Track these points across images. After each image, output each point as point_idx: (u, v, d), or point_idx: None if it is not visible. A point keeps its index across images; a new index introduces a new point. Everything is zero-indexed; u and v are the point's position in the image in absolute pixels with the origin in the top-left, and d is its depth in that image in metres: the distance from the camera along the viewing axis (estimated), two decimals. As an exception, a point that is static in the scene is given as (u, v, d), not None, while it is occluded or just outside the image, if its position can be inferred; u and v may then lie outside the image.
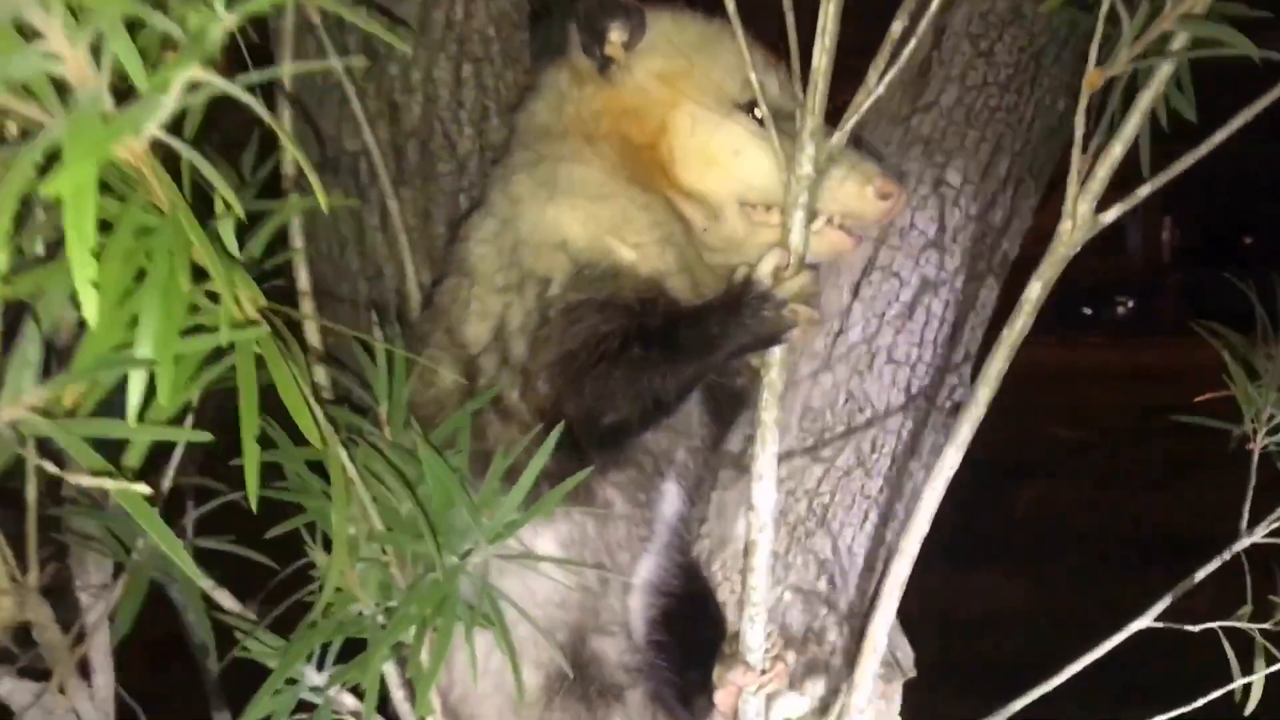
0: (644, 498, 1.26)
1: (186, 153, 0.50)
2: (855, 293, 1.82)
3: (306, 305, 1.13)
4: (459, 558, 0.89)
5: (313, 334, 1.12)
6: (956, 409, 1.90)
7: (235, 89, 0.49)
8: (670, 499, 1.31)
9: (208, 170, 0.50)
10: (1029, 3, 1.88)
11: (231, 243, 0.63)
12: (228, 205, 0.69)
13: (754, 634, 1.01)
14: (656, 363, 1.12)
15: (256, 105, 0.51)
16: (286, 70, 1.08)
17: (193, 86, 0.48)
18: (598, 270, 1.18)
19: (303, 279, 1.12)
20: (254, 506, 0.59)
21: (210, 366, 0.62)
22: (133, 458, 0.60)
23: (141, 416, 0.54)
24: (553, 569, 1.12)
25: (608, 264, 1.18)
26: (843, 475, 1.83)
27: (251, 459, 0.58)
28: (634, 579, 1.29)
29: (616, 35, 1.23)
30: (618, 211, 1.21)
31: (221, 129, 1.13)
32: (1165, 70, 0.95)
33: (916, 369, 1.85)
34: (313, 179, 0.52)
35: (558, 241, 1.19)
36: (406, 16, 1.46)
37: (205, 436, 0.62)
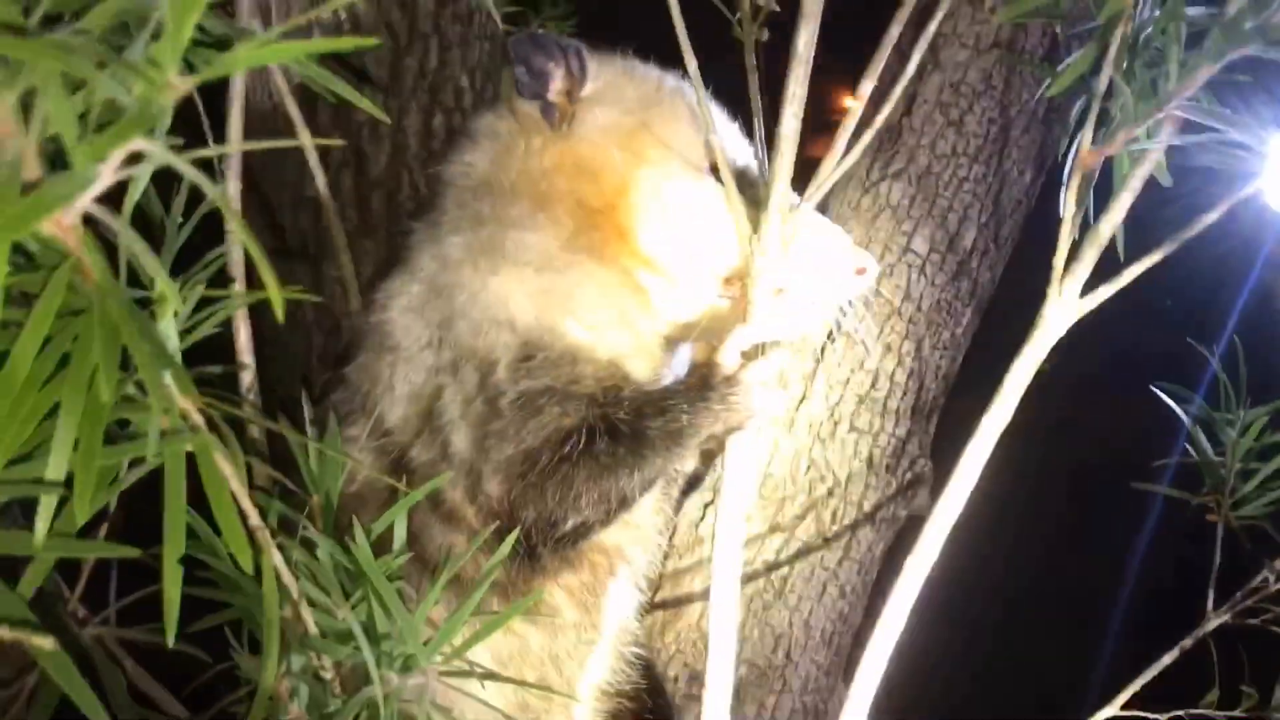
0: (593, 601, 1.14)
1: (122, 233, 0.44)
2: (818, 359, 1.79)
3: (247, 377, 1.05)
4: (397, 673, 0.81)
5: (252, 419, 1.03)
6: (916, 481, 1.87)
7: (181, 162, 0.44)
8: (620, 598, 1.19)
9: (144, 255, 0.44)
10: (1000, 74, 1.88)
11: (171, 335, 0.57)
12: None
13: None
14: (624, 459, 1.01)
15: (202, 180, 0.45)
16: (234, 130, 1.02)
17: (134, 158, 0.43)
18: (553, 354, 1.04)
19: (244, 347, 1.04)
20: (171, 637, 0.52)
21: (133, 468, 0.56)
22: (33, 579, 0.53)
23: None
24: (491, 691, 1.00)
25: (562, 347, 1.05)
26: (802, 546, 1.79)
27: (174, 585, 0.51)
28: (580, 685, 1.17)
29: (560, 80, 1.12)
30: (571, 286, 1.08)
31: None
32: (1158, 151, 0.93)
33: (878, 438, 1.82)
34: (263, 268, 0.46)
35: (504, 319, 1.05)
36: (377, 65, 1.40)
37: (131, 552, 0.55)
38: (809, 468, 1.78)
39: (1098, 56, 0.84)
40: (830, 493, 1.79)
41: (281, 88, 1.23)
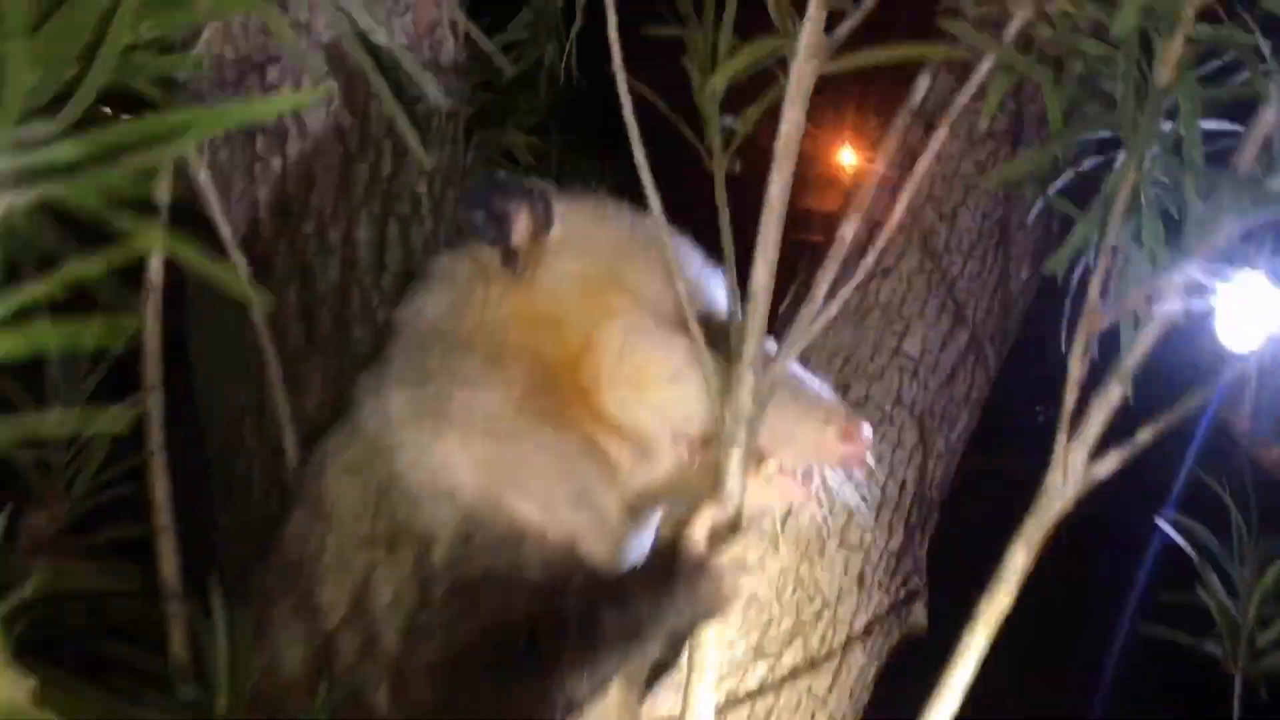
0: None
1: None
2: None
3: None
4: None
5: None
6: (910, 598, 1.77)
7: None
8: None
9: None
10: (994, 166, 1.81)
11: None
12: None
13: None
14: (573, 660, 0.89)
15: None
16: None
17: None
18: (494, 533, 0.93)
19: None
20: None
21: None
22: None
23: None
24: None
25: (506, 525, 0.94)
26: (788, 672, 1.67)
27: None
28: None
29: (524, 224, 1.02)
30: (522, 456, 0.98)
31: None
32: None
33: (870, 554, 1.71)
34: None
35: (445, 489, 0.95)
36: (326, 169, 1.31)
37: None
38: (795, 588, 1.67)
39: (1103, 216, 0.75)
40: (819, 614, 1.68)
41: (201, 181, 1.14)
